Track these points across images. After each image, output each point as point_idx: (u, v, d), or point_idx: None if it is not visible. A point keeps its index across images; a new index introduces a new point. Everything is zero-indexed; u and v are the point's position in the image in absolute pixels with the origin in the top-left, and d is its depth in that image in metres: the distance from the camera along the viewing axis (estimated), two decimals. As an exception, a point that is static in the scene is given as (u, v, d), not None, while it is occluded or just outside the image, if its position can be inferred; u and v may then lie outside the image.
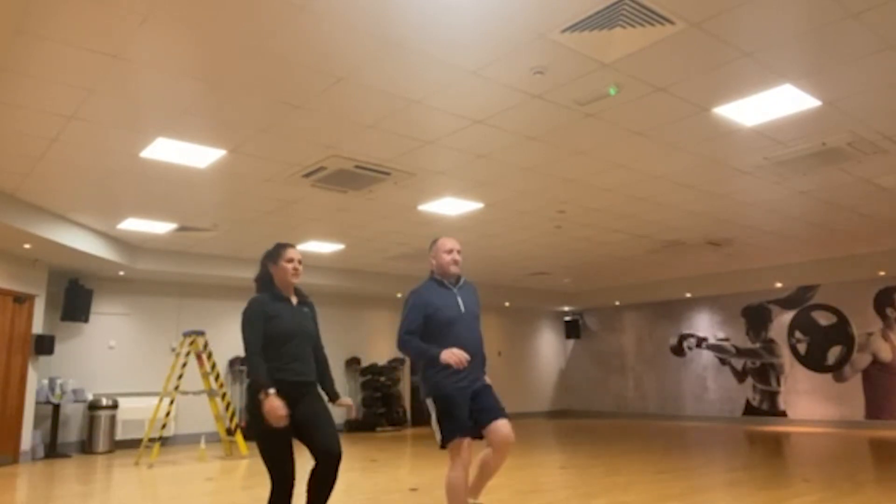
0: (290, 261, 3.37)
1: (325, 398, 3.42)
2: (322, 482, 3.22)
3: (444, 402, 3.54)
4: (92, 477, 7.24)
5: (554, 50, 3.88)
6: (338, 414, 3.73)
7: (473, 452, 3.60)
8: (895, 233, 8.88)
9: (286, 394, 3.12)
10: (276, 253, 3.40)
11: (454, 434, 3.50)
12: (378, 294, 12.46)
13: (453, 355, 3.41)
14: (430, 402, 3.61)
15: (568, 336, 16.23)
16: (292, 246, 3.44)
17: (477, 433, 3.62)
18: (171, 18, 3.49)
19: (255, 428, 3.14)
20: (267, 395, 3.04)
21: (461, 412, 3.53)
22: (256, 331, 3.21)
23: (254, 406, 3.13)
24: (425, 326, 3.63)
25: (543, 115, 4.86)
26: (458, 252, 3.79)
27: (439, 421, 3.54)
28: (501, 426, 3.59)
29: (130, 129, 5.00)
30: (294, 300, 3.42)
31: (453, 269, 3.76)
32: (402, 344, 3.66)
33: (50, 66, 3.97)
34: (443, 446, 3.55)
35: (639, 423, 13.33)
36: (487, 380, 3.79)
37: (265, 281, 3.40)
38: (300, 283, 3.50)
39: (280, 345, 3.24)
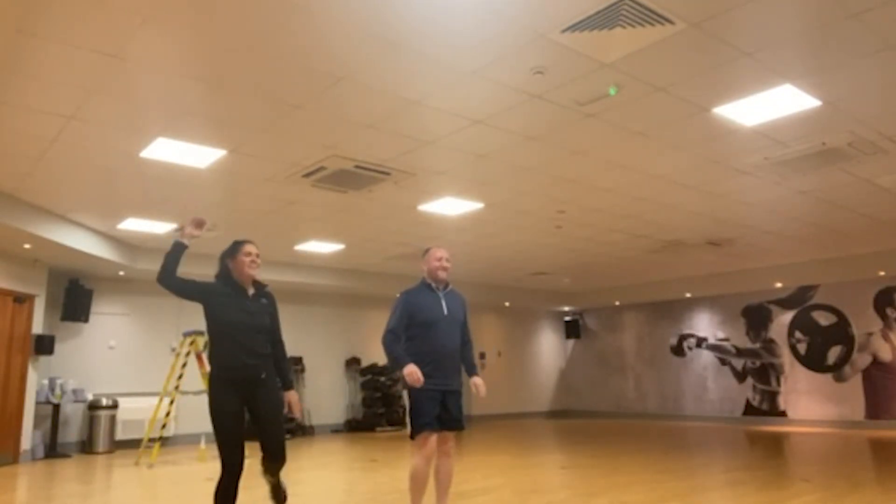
0: (248, 254, 3.55)
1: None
2: (268, 472, 3.59)
3: (417, 397, 3.97)
4: (92, 477, 7.24)
5: (554, 50, 3.88)
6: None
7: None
8: (895, 233, 8.88)
9: (236, 383, 3.36)
10: (233, 249, 3.58)
11: (423, 428, 3.94)
12: (378, 294, 12.45)
13: (411, 375, 3.86)
14: (406, 395, 4.12)
15: (568, 336, 16.23)
16: (250, 242, 3.62)
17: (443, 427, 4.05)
18: (171, 18, 3.49)
19: (211, 416, 3.34)
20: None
21: (431, 408, 3.95)
22: (188, 285, 3.41)
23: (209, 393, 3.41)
24: (410, 324, 4.09)
25: (543, 115, 4.86)
26: (447, 260, 4.25)
27: (411, 415, 4.00)
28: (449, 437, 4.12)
29: (130, 129, 5.00)
30: (251, 292, 3.57)
31: (441, 275, 4.21)
32: (385, 342, 4.12)
33: (50, 66, 3.97)
34: (412, 437, 3.99)
35: (639, 423, 13.33)
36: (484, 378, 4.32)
37: (222, 275, 3.56)
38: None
39: (227, 335, 3.39)
